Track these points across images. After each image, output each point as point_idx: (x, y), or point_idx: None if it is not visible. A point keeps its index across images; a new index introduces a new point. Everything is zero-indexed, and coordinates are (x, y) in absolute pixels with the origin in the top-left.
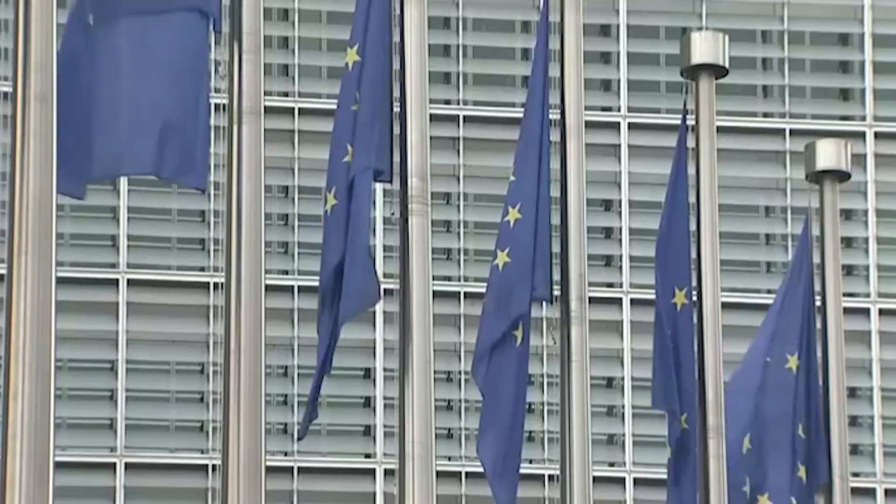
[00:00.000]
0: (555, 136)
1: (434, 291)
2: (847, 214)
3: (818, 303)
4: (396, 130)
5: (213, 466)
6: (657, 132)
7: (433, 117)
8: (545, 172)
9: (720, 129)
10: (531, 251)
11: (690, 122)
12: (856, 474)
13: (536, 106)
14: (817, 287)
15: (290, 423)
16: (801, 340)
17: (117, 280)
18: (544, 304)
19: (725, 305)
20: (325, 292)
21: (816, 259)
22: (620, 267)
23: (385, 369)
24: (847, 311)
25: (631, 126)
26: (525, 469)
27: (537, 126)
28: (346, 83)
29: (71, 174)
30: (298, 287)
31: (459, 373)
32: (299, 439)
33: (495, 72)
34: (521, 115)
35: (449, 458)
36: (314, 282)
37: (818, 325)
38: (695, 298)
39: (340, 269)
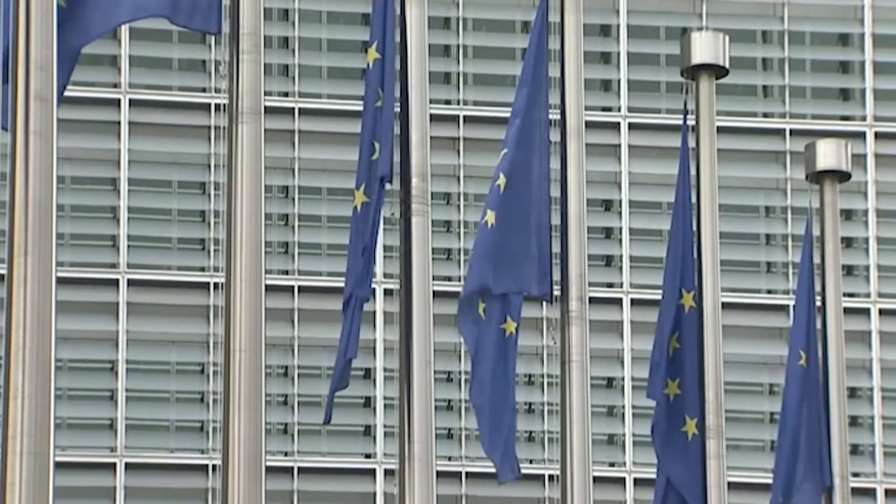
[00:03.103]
0: (555, 136)
1: (434, 291)
2: (847, 214)
3: (818, 303)
4: (396, 130)
5: (213, 466)
6: (657, 132)
7: (433, 117)
8: (544, 171)
9: (720, 129)
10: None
11: (690, 122)
12: (856, 474)
13: (527, 102)
14: (817, 287)
15: (290, 423)
16: (806, 341)
17: (117, 280)
18: (544, 303)
19: (725, 305)
20: (347, 299)
21: (816, 259)
22: (620, 267)
23: (385, 369)
24: (847, 311)
25: (631, 126)
26: (525, 469)
27: (531, 119)
28: (369, 81)
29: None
30: (298, 287)
31: (459, 373)
32: (326, 422)
33: (495, 72)
34: None
35: (449, 458)
36: (314, 282)
37: (818, 325)
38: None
39: (366, 272)
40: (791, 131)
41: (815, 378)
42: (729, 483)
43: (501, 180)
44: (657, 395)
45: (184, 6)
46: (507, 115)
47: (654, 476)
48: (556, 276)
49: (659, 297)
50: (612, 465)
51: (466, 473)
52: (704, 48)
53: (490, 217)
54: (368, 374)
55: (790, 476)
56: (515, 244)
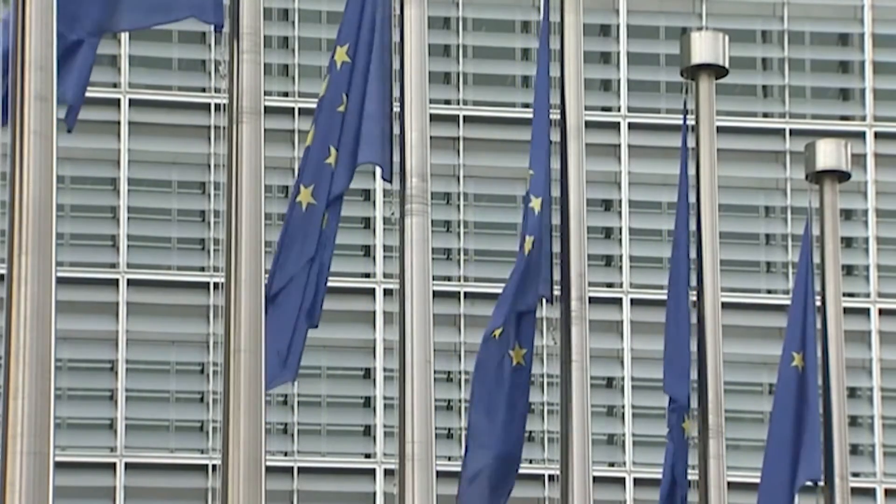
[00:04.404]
0: (555, 136)
1: (434, 291)
2: (847, 214)
3: (818, 303)
4: (396, 130)
5: (213, 466)
6: (657, 132)
7: (433, 117)
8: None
9: (720, 129)
10: (543, 247)
11: (690, 122)
12: (856, 474)
13: (543, 106)
14: (817, 287)
15: (290, 423)
16: (802, 340)
17: (117, 280)
18: (544, 304)
19: (725, 305)
20: (277, 292)
21: (816, 259)
22: (620, 267)
23: (385, 369)
24: (847, 311)
25: (631, 126)
26: (525, 469)
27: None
28: (333, 82)
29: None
30: None
31: (459, 373)
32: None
33: (495, 72)
34: (520, 115)
35: (449, 458)
36: None
37: (818, 325)
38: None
39: (304, 277)
40: (791, 131)
41: (814, 378)
42: (728, 483)
43: (535, 203)
44: (679, 392)
45: (159, 5)
46: (507, 115)
47: (653, 476)
48: (556, 276)
49: (659, 296)
50: (611, 465)
51: None
52: (704, 48)
53: (528, 243)
54: (368, 374)
55: (775, 478)
56: (543, 254)
